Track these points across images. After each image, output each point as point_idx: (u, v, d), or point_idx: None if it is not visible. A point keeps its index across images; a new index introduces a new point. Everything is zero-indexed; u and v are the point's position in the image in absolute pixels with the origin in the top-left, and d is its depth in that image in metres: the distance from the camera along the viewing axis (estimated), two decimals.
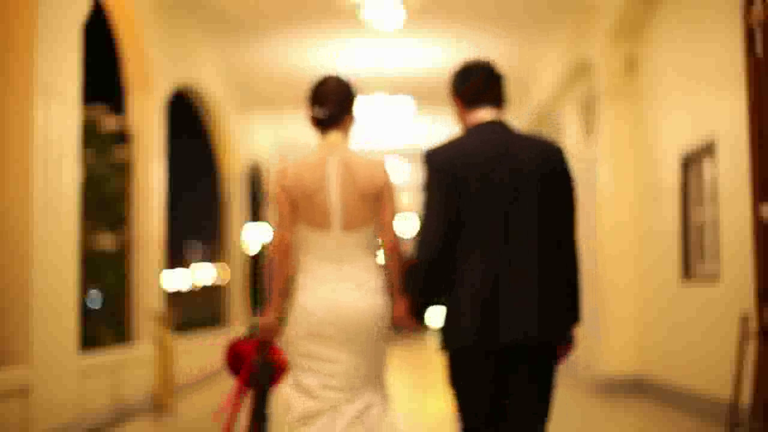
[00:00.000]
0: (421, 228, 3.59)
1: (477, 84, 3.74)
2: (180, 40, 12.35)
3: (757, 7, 5.75)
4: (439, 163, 3.57)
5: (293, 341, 3.78)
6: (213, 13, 12.30)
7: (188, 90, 13.96)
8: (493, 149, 3.57)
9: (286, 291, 3.80)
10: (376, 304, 3.78)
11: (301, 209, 3.75)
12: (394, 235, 3.85)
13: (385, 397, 3.84)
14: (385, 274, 3.85)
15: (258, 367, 3.89)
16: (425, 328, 3.95)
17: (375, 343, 3.77)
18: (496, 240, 3.51)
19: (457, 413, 3.62)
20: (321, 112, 3.84)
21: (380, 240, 3.85)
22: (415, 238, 3.63)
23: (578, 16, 12.32)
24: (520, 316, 3.49)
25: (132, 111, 11.10)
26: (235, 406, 3.93)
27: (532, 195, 3.55)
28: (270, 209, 3.88)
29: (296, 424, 3.71)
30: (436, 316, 3.70)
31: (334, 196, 3.72)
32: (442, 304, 3.59)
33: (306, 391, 3.72)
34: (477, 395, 3.55)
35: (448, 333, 3.56)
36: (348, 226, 3.75)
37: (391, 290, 3.85)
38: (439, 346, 3.61)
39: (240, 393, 3.92)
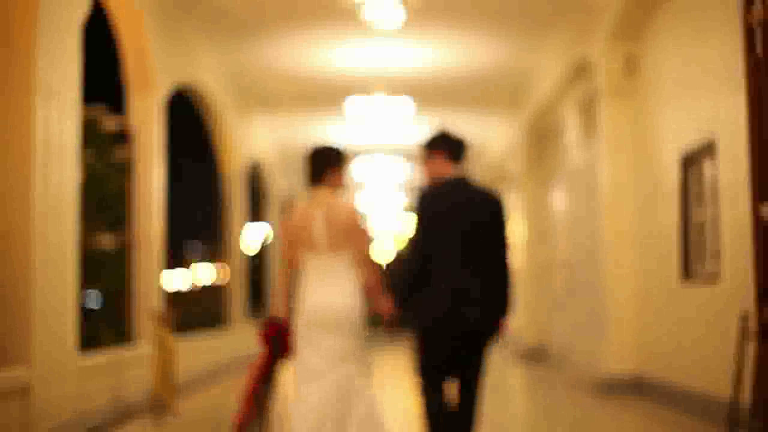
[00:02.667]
0: (409, 250, 5.27)
1: (448, 146, 5.43)
2: (180, 40, 12.35)
3: (757, 7, 5.75)
4: (425, 205, 5.30)
5: (299, 329, 5.35)
6: (213, 13, 12.30)
7: (188, 90, 13.96)
8: (458, 197, 5.29)
9: (290, 295, 5.48)
10: (352, 303, 5.34)
11: (301, 241, 5.40)
12: (364, 254, 5.42)
13: (366, 370, 5.32)
14: (360, 281, 5.41)
15: (275, 340, 5.60)
16: (403, 327, 5.40)
17: (352, 329, 5.31)
18: (457, 260, 5.18)
19: (418, 372, 5.30)
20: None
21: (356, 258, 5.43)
22: (405, 252, 5.35)
23: (578, 16, 12.32)
24: (469, 312, 5.16)
25: (132, 111, 11.09)
26: (260, 373, 5.62)
27: (480, 230, 5.25)
28: (281, 244, 5.53)
29: (299, 385, 5.23)
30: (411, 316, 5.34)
31: (319, 232, 5.36)
32: (419, 301, 5.22)
33: (307, 363, 5.26)
34: (437, 360, 5.26)
35: (422, 318, 5.21)
36: (331, 250, 5.37)
37: (366, 292, 5.42)
38: (412, 326, 5.25)
39: (266, 358, 5.62)
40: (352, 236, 5.36)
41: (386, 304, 5.35)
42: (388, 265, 6.31)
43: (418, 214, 5.27)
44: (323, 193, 5.44)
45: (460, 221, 5.22)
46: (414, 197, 5.41)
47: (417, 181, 25.01)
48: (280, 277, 5.56)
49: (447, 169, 5.39)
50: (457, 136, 5.46)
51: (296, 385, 5.25)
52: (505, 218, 5.34)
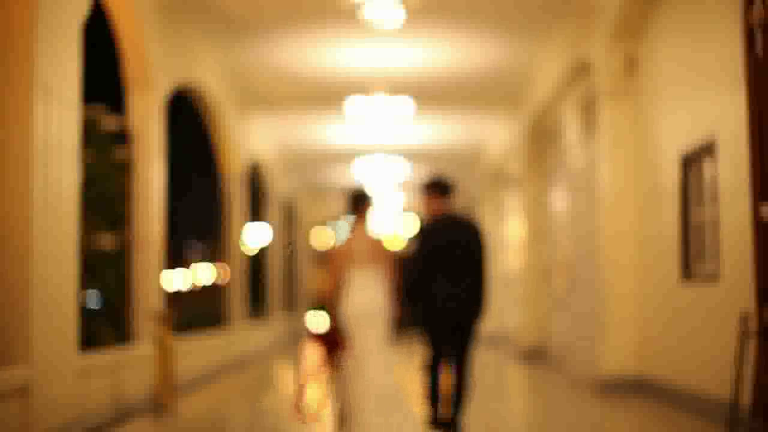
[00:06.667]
0: (409, 266, 7.30)
1: (443, 187, 7.56)
2: (180, 39, 12.35)
3: (757, 7, 5.76)
4: (424, 234, 7.42)
5: (348, 323, 7.29)
6: (213, 12, 12.31)
7: (188, 89, 13.96)
8: (447, 227, 7.43)
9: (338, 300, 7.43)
10: (382, 304, 7.38)
11: (348, 259, 7.37)
12: (390, 269, 7.41)
13: (387, 348, 7.33)
14: (387, 288, 7.41)
15: (331, 336, 7.47)
16: (411, 324, 7.45)
17: (382, 323, 7.36)
18: (449, 274, 7.29)
19: (426, 352, 7.47)
20: (346, 210, 7.65)
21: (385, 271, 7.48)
22: (405, 267, 7.38)
23: (578, 16, 12.33)
24: (460, 310, 7.33)
25: (132, 111, 11.09)
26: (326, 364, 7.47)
27: (465, 251, 7.35)
28: (330, 263, 7.47)
29: (357, 358, 7.25)
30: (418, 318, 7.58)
31: (360, 252, 7.38)
32: (422, 306, 7.46)
33: (359, 343, 7.22)
34: (439, 344, 7.43)
35: (426, 317, 7.39)
36: (370, 263, 7.38)
37: (390, 296, 7.41)
38: (420, 323, 7.42)
39: (327, 353, 7.47)
40: (383, 256, 7.42)
41: (399, 306, 7.40)
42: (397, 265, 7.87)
43: (419, 241, 7.35)
44: (362, 223, 7.56)
45: (449, 245, 7.29)
46: (418, 227, 7.55)
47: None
48: (336, 289, 7.49)
49: (440, 206, 7.49)
50: (446, 179, 7.55)
51: (355, 358, 7.25)
52: (483, 241, 7.38)
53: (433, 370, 7.45)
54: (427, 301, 7.33)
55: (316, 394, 7.27)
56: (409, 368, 13.66)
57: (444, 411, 7.52)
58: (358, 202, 7.62)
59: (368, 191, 7.72)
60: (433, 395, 7.47)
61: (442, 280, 7.25)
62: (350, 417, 7.17)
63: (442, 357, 7.43)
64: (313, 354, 7.41)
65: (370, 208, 7.63)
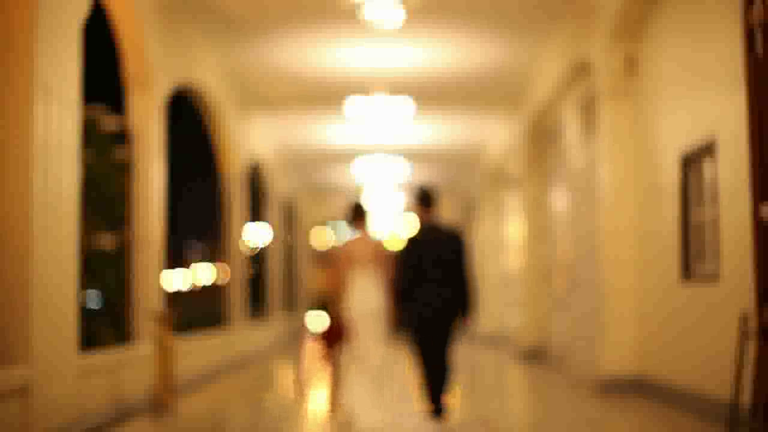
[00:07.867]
0: (399, 271, 7.98)
1: (426, 199, 8.23)
2: (180, 39, 12.35)
3: (757, 7, 5.76)
4: (411, 242, 8.03)
5: (354, 318, 8.21)
6: (213, 13, 12.30)
7: (188, 89, 13.96)
8: (432, 235, 8.07)
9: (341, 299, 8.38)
10: (380, 303, 8.24)
11: (351, 261, 8.22)
12: (386, 269, 8.26)
13: (386, 341, 8.34)
14: (383, 288, 8.32)
15: (331, 332, 8.83)
16: (402, 324, 8.10)
17: (381, 317, 8.20)
18: (434, 278, 7.93)
19: (413, 347, 8.05)
20: (347, 219, 8.65)
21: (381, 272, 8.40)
22: (395, 272, 8.05)
23: (578, 16, 12.33)
24: (443, 311, 7.94)
25: (132, 111, 11.09)
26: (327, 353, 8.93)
27: (448, 257, 7.98)
28: (333, 263, 8.37)
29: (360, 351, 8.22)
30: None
31: (360, 252, 8.25)
32: (410, 307, 8.00)
33: (363, 338, 8.18)
34: (423, 338, 7.99)
35: (414, 318, 7.97)
36: (368, 265, 8.22)
37: (387, 296, 8.28)
38: (408, 324, 8.02)
39: (327, 344, 8.93)
40: (382, 257, 8.26)
41: (393, 306, 8.15)
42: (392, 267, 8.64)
43: (405, 248, 8.02)
44: (362, 231, 8.44)
45: (433, 251, 7.98)
46: (407, 235, 8.18)
47: (416, 180, 25.00)
48: (338, 288, 8.34)
49: (425, 216, 8.25)
50: (430, 191, 8.28)
51: (357, 350, 8.18)
52: (464, 248, 8.07)
53: (425, 365, 8.00)
54: (415, 302, 7.97)
55: (316, 382, 7.63)
56: (406, 364, 13.67)
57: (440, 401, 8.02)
58: (356, 214, 8.55)
59: (365, 205, 8.62)
60: (428, 388, 8.02)
61: (428, 284, 7.93)
62: (346, 404, 7.77)
63: (431, 353, 7.98)
64: (313, 348, 7.99)
65: (367, 220, 8.55)
